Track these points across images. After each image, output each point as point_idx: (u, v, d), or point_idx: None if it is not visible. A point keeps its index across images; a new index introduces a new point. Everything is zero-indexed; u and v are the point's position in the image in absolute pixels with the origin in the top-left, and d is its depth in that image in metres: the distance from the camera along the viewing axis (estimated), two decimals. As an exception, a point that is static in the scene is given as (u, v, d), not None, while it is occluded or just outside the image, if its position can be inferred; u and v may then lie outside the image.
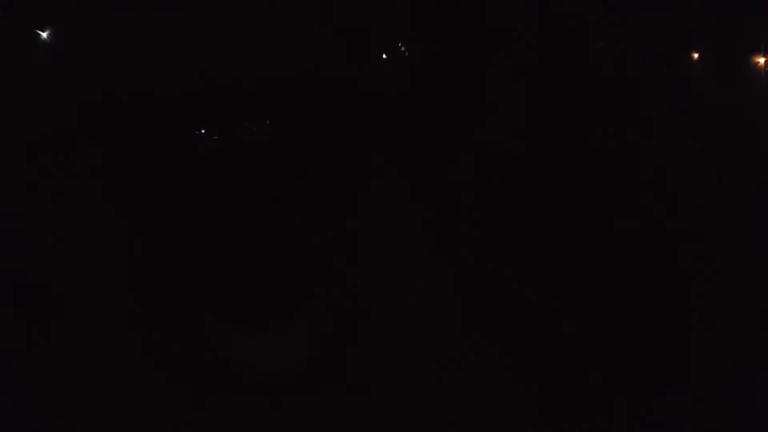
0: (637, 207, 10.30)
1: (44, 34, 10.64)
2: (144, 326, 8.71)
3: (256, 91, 10.82)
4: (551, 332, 8.79)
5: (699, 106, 10.86)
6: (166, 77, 10.57)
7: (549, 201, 10.40)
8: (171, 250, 9.67)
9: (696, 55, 11.21)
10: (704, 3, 11.04)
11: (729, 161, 10.34)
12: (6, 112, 9.88)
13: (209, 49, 10.70)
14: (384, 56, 11.31)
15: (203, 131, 10.67)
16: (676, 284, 9.26)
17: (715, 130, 10.74)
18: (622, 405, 8.05)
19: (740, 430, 7.64)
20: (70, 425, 7.68)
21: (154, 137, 10.48)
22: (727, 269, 9.21)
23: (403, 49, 11.28)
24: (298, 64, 10.76)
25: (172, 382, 8.16)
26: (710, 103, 10.83)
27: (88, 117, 10.32)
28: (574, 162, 10.82)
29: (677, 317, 8.86)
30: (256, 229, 9.94)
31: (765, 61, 10.76)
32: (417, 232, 9.93)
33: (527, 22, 10.99)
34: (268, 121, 10.56)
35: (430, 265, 9.59)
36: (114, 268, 9.22)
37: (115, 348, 8.46)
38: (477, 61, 11.19)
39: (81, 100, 10.28)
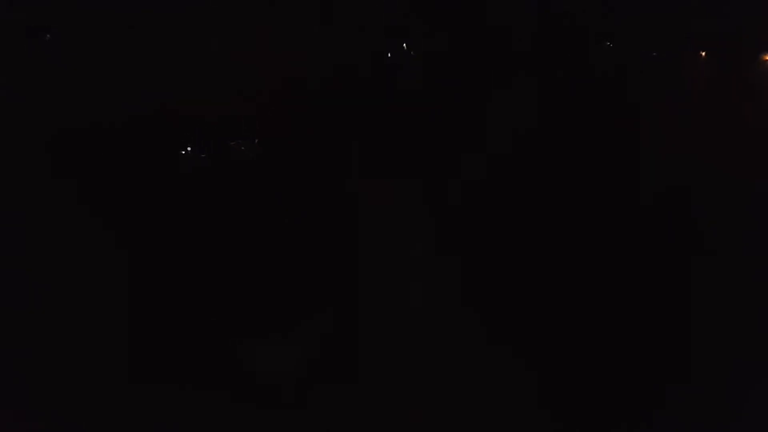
0: (637, 207, 10.31)
1: (41, 34, 10.65)
2: (144, 332, 8.76)
3: (255, 93, 10.83)
4: (552, 332, 8.79)
5: (701, 105, 10.84)
6: (166, 77, 10.57)
7: (549, 200, 10.41)
8: (174, 257, 9.74)
9: (703, 54, 11.14)
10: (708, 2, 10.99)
11: (729, 161, 10.34)
12: None
13: (209, 48, 10.70)
14: (384, 57, 11.31)
15: (203, 141, 10.74)
16: (676, 284, 9.26)
17: (716, 129, 10.73)
18: (623, 405, 8.05)
19: (740, 430, 7.64)
20: (70, 425, 7.68)
21: (152, 146, 10.54)
22: (727, 269, 9.21)
23: (402, 50, 11.28)
24: (298, 64, 10.77)
25: (172, 382, 8.16)
26: (713, 102, 10.82)
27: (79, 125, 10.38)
28: (575, 161, 10.82)
29: (677, 317, 8.85)
30: (260, 236, 10.00)
31: None
32: (418, 232, 9.93)
33: (527, 22, 10.99)
34: (257, 140, 10.64)
35: (431, 265, 9.59)
36: (116, 278, 9.30)
37: (115, 350, 8.48)
38: (477, 61, 11.19)
39: (74, 104, 10.34)
